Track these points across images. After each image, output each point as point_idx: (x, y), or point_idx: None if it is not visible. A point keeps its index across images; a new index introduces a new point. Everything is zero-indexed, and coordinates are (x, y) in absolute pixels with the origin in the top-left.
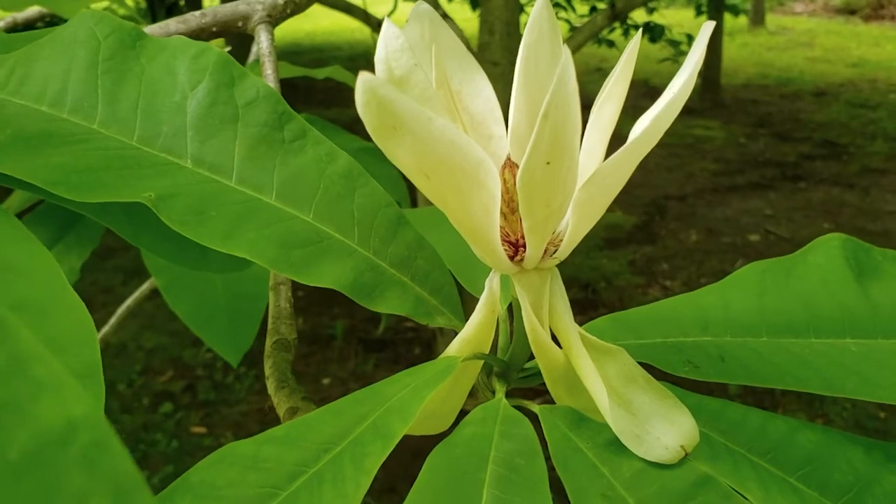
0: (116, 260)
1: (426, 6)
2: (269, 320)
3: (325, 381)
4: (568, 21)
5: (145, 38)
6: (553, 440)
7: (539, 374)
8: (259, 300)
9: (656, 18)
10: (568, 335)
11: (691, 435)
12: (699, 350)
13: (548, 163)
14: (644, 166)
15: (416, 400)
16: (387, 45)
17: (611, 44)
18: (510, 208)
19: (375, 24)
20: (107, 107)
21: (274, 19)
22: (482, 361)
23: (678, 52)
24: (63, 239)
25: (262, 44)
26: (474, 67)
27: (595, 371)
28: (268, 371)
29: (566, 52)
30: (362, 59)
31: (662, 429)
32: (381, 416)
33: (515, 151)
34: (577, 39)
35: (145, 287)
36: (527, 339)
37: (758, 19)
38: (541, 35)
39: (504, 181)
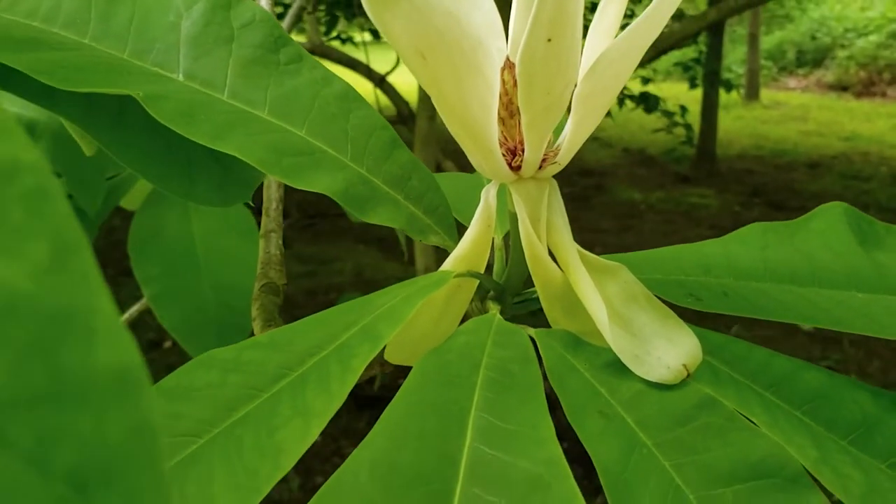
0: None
1: None
2: (259, 266)
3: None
4: None
5: None
6: (549, 360)
7: (536, 300)
8: (248, 314)
9: (651, 89)
10: (566, 251)
11: (694, 354)
12: (701, 286)
13: (549, 40)
14: (639, 230)
15: (407, 306)
16: None
17: (606, 113)
18: (509, 111)
19: (378, 80)
20: (99, 24)
21: None
22: (476, 282)
23: (672, 122)
24: None
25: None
26: None
27: (594, 288)
28: (254, 313)
29: None
30: None
31: (664, 348)
32: (370, 322)
33: (515, 54)
34: None
35: (134, 310)
36: (523, 257)
37: (752, 94)
38: None
39: (503, 82)
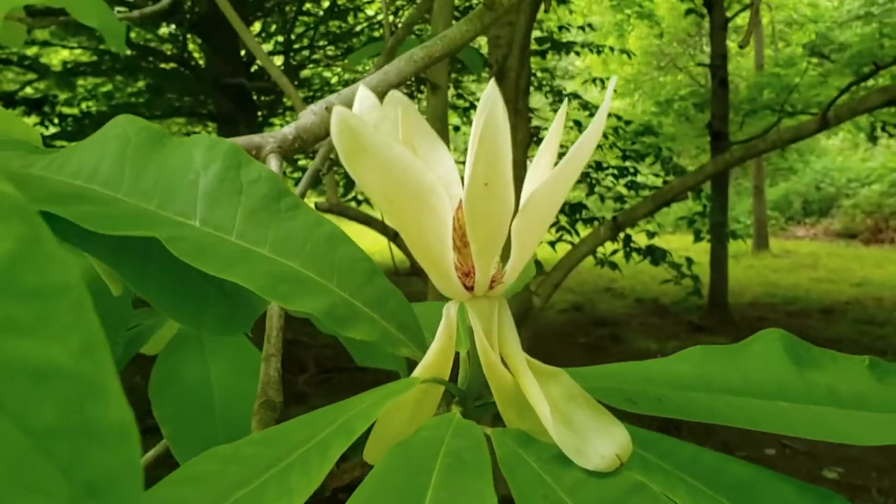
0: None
1: (399, 94)
2: (259, 386)
3: None
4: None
5: (171, 137)
6: (502, 454)
7: (494, 404)
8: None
9: (658, 242)
10: (515, 359)
11: (625, 446)
12: (639, 393)
13: (486, 184)
14: None
15: (378, 407)
16: (361, 103)
17: (614, 266)
18: (463, 242)
19: (392, 235)
20: (131, 183)
21: (283, 150)
22: (442, 389)
23: (680, 273)
24: None
25: (272, 168)
26: (438, 142)
27: (539, 390)
28: (254, 427)
29: (492, 84)
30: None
31: (600, 441)
32: (346, 420)
33: None
34: (581, 250)
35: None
36: (481, 365)
37: (761, 243)
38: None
39: (458, 219)
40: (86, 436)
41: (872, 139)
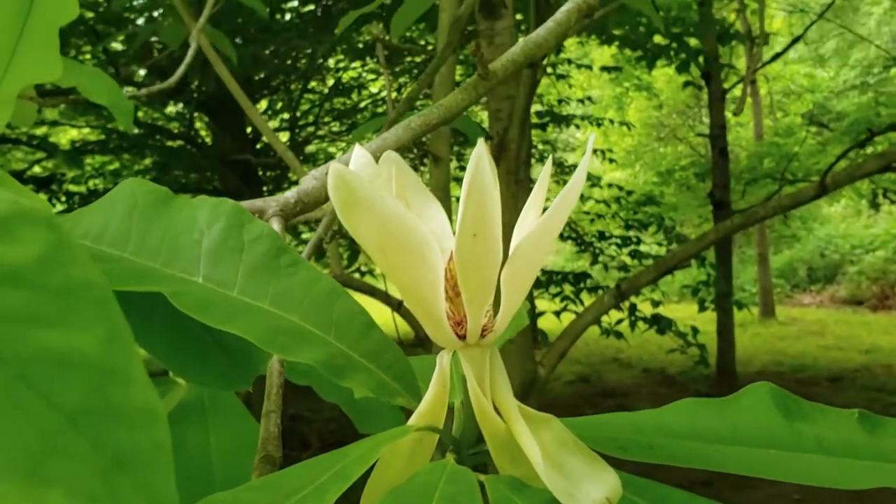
0: None
1: (394, 153)
2: (259, 443)
3: None
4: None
5: (177, 198)
6: (495, 499)
7: (487, 453)
8: None
9: (664, 311)
10: (507, 406)
11: (615, 489)
12: (630, 441)
13: (474, 235)
14: None
15: (374, 452)
16: (356, 160)
17: (619, 335)
18: (455, 292)
19: (396, 305)
20: (138, 242)
21: (286, 214)
22: (437, 438)
23: (686, 342)
24: None
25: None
26: (431, 198)
27: (531, 436)
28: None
29: (480, 142)
30: None
31: (591, 485)
32: (343, 466)
33: None
34: (585, 318)
35: None
36: (474, 413)
37: (767, 311)
38: (480, 165)
39: (450, 270)
40: (111, 417)
41: (874, 206)
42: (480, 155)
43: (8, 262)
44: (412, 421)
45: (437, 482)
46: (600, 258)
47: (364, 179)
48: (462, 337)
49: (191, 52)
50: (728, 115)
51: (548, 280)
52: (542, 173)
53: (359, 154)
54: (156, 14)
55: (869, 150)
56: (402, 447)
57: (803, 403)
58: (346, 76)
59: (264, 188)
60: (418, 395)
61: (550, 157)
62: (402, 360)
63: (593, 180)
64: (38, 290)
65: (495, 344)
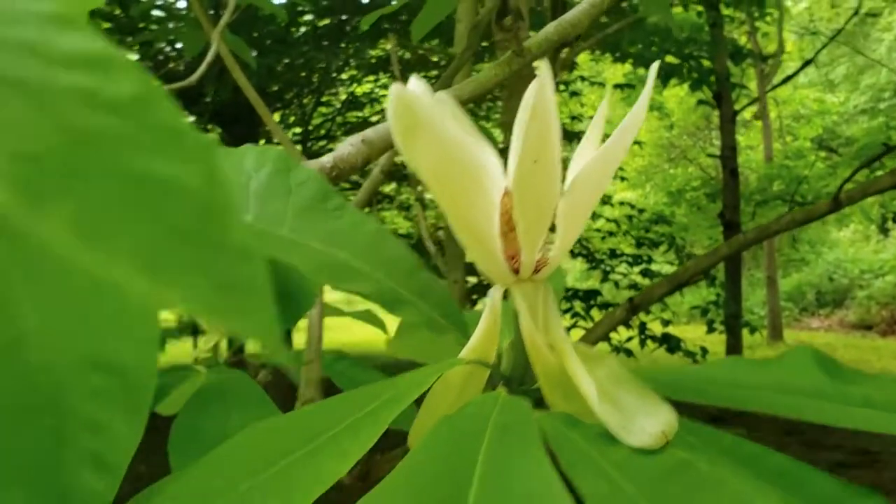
0: None
1: (445, 94)
2: (301, 388)
3: None
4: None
5: (223, 147)
6: (550, 433)
7: (537, 390)
8: None
9: (673, 331)
10: (560, 341)
11: (671, 423)
12: (678, 384)
13: (535, 161)
14: None
15: (426, 380)
16: (415, 87)
17: (629, 353)
18: (509, 227)
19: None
20: None
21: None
22: (487, 374)
23: (695, 362)
24: None
25: None
26: (483, 138)
27: (585, 371)
28: None
29: (543, 67)
30: (393, 368)
31: (646, 419)
32: (395, 394)
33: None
34: (597, 332)
35: None
36: (525, 349)
37: (776, 335)
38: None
39: (504, 204)
40: (215, 247)
41: (884, 231)
42: (543, 81)
43: (106, 94)
44: (463, 354)
45: (491, 411)
46: (611, 276)
47: (426, 102)
48: (516, 271)
49: (211, 52)
50: (739, 137)
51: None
52: (599, 110)
53: (416, 83)
54: (171, 25)
55: (878, 171)
56: (452, 380)
57: (846, 368)
58: (359, 90)
59: None
60: (466, 333)
61: (608, 93)
62: (449, 300)
63: (604, 198)
64: (138, 122)
65: (548, 280)
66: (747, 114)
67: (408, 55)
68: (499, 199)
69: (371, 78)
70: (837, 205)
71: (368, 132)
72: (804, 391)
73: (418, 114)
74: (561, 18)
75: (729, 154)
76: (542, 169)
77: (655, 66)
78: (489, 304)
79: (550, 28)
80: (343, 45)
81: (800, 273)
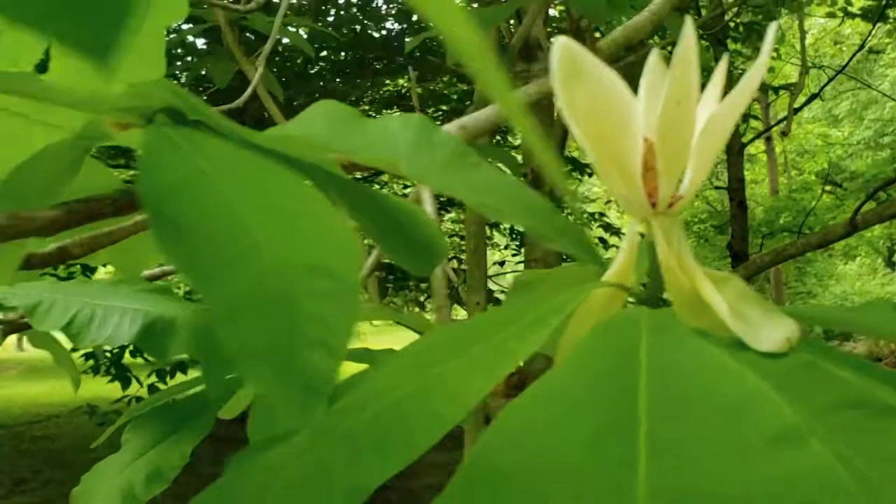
0: None
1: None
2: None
3: None
4: None
5: (365, 117)
6: None
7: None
8: None
9: None
10: (692, 268)
11: (795, 331)
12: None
13: (678, 102)
14: None
15: (571, 302)
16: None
17: None
18: (646, 167)
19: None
20: (340, 144)
21: None
22: (625, 296)
23: None
24: (179, 430)
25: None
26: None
27: (715, 290)
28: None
29: (688, 21)
30: None
31: (771, 329)
32: (541, 314)
33: (647, 128)
34: None
35: None
36: (659, 276)
37: None
38: (688, 41)
39: (644, 147)
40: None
41: (891, 264)
42: (688, 32)
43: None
44: (605, 278)
45: (639, 316)
46: None
47: (586, 52)
48: (653, 206)
49: (257, 77)
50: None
51: None
52: (718, 68)
53: (571, 42)
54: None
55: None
56: (594, 302)
57: None
58: None
59: None
60: (603, 266)
61: (725, 55)
62: (585, 237)
63: (614, 229)
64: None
65: (679, 214)
66: (753, 148)
67: (419, 90)
68: (640, 139)
69: (386, 112)
70: (854, 228)
71: (466, 119)
72: None
73: (581, 62)
74: (626, 24)
75: (737, 186)
76: (683, 111)
77: (774, 25)
78: (627, 237)
79: (617, 32)
80: (359, 80)
81: (807, 306)
